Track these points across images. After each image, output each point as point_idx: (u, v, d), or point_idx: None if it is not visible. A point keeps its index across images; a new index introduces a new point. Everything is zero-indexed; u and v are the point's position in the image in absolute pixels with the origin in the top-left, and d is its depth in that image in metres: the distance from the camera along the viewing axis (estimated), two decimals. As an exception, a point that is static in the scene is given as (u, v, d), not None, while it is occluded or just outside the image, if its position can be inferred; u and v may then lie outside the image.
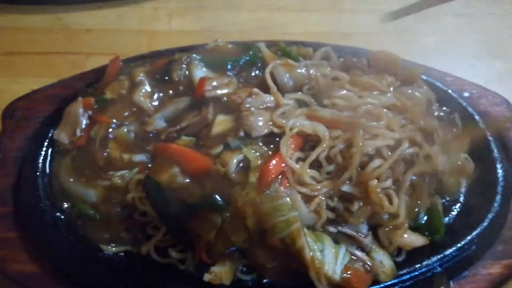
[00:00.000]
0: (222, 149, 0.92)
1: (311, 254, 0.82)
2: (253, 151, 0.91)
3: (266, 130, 0.93)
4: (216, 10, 1.58)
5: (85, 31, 1.49)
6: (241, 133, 0.94)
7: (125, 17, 1.54)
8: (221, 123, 0.96)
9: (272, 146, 0.93)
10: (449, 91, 1.20)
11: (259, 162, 0.89)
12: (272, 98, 0.99)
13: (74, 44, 1.44)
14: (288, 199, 0.84)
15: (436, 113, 1.13)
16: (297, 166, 0.89)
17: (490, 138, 1.11)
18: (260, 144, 0.93)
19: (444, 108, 1.16)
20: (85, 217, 0.96)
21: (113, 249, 0.93)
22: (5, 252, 0.93)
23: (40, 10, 1.52)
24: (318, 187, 0.89)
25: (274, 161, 0.88)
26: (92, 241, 0.94)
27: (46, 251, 0.93)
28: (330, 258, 0.84)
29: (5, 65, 1.36)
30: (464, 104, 1.17)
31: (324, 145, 0.91)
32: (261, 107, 0.97)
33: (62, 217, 0.96)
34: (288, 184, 0.88)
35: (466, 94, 1.24)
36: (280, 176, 0.88)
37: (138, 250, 0.93)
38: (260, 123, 0.93)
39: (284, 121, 0.94)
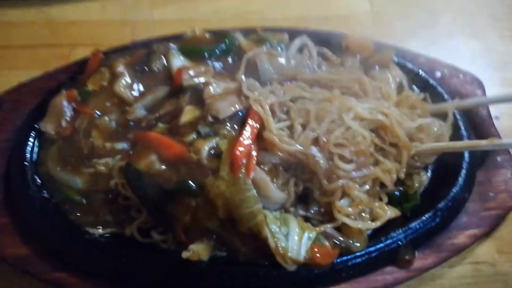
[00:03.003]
0: (195, 137, 0.97)
1: (275, 241, 0.88)
2: (224, 139, 0.96)
3: (232, 109, 0.99)
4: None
5: (69, 23, 1.51)
6: (210, 119, 0.98)
7: (108, 8, 1.56)
8: (189, 112, 1.01)
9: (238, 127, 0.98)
10: (420, 71, 1.24)
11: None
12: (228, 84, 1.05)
13: (59, 37, 1.47)
14: (254, 191, 0.89)
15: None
16: (271, 118, 0.97)
17: (457, 116, 1.15)
18: (228, 127, 0.98)
19: (417, 91, 1.20)
20: (72, 203, 1.01)
21: (99, 231, 0.98)
22: (-1, 237, 0.98)
23: (24, 4, 1.54)
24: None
25: (242, 140, 0.93)
26: (79, 224, 0.99)
27: (37, 235, 0.98)
28: (294, 242, 0.90)
29: (-8, 59, 1.39)
30: (433, 83, 1.21)
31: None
32: (222, 92, 1.02)
33: (50, 203, 1.01)
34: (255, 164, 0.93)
35: (438, 74, 1.29)
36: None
37: (122, 231, 0.98)
38: (225, 105, 0.99)
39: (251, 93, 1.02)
